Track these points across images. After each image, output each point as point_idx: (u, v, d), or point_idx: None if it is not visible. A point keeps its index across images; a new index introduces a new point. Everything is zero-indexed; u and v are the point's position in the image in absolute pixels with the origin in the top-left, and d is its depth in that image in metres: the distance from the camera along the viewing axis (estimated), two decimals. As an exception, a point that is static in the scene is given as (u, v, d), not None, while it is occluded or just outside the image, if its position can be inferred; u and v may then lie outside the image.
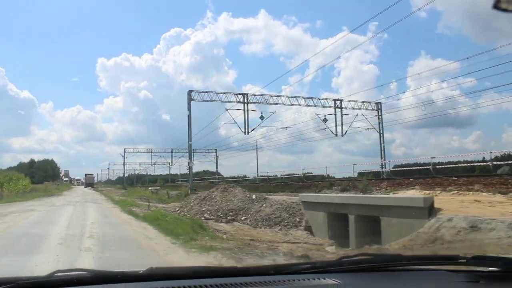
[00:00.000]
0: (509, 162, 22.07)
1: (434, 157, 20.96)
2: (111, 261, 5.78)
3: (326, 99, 36.67)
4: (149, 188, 42.25)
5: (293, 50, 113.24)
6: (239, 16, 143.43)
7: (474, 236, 8.37)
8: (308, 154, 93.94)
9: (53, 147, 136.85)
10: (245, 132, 32.88)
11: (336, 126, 36.22)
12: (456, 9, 65.42)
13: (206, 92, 32.22)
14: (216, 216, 17.28)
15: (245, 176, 52.06)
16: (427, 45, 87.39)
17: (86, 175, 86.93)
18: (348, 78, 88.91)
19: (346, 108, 36.82)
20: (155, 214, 12.06)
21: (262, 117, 33.21)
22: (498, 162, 22.20)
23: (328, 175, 35.81)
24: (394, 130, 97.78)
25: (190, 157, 31.32)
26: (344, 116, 36.37)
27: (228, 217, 17.01)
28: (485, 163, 23.22)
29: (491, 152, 19.72)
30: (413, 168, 24.19)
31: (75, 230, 9.08)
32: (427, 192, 16.32)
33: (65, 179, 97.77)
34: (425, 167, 22.65)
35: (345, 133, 37.15)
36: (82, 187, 79.08)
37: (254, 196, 18.26)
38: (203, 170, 73.26)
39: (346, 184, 22.17)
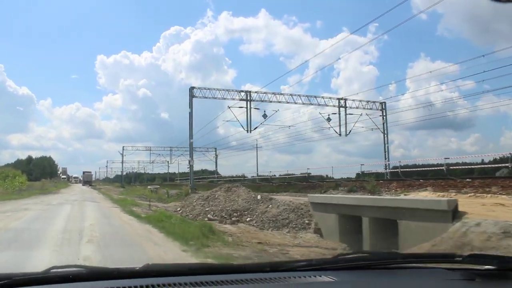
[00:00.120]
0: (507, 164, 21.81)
1: (448, 158, 20.23)
2: None
3: (330, 97, 36.00)
4: (148, 187, 41.47)
5: (293, 50, 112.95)
6: (239, 15, 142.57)
7: (507, 243, 7.68)
8: (306, 154, 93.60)
9: (52, 144, 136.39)
10: (247, 131, 32.12)
11: (340, 125, 35.58)
12: (456, 12, 65.00)
13: (208, 89, 31.47)
14: (220, 217, 16.57)
15: (243, 176, 51.52)
16: (427, 47, 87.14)
17: (84, 172, 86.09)
18: (348, 79, 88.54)
19: (350, 107, 36.20)
20: (158, 215, 11.21)
21: (265, 116, 32.55)
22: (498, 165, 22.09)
23: (326, 175, 35.30)
24: (392, 132, 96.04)
25: (191, 155, 30.58)
26: (347, 116, 35.87)
27: (233, 218, 16.31)
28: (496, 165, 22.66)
29: (510, 153, 19.00)
30: (425, 169, 23.45)
31: (72, 233, 8.24)
32: (441, 194, 15.63)
33: (62, 176, 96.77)
34: (428, 168, 22.02)
35: (349, 132, 36.52)
36: (80, 185, 78.18)
37: (259, 196, 17.55)
38: (202, 169, 72.52)
39: (353, 184, 21.50)
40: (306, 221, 14.41)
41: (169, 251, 6.35)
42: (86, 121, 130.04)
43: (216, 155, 60.85)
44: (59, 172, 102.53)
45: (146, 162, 75.24)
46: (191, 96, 30.26)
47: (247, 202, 17.37)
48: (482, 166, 24.07)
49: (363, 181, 22.11)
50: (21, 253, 6.20)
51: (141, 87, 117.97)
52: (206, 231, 8.06)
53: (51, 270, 1.62)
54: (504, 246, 7.62)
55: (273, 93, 33.07)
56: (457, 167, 21.34)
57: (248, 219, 16.09)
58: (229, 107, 31.67)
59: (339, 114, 35.56)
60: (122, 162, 70.67)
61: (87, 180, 78.87)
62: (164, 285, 1.61)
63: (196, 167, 68.16)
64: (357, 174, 34.30)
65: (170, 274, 1.75)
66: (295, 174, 38.95)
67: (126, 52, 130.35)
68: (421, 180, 19.08)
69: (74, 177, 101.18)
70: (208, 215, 16.75)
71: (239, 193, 18.42)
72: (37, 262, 5.56)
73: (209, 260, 5.47)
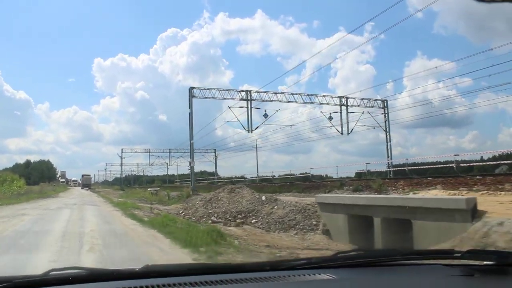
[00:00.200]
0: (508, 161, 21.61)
1: (458, 155, 19.76)
2: None
3: (331, 96, 35.58)
4: (149, 189, 40.92)
5: (290, 50, 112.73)
6: (236, 16, 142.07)
7: (535, 243, 7.26)
8: (305, 154, 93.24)
9: (50, 147, 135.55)
10: (248, 131, 31.67)
11: (341, 124, 35.17)
12: (451, 9, 64.86)
13: (208, 89, 31.01)
14: (224, 219, 16.08)
15: (243, 177, 51.20)
16: (423, 45, 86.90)
17: (83, 176, 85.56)
18: (345, 78, 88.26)
19: (352, 105, 35.79)
20: (162, 219, 10.61)
21: (265, 115, 32.06)
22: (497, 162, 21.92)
23: (326, 175, 34.90)
24: (390, 130, 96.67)
25: (191, 157, 30.09)
26: (348, 114, 35.44)
27: (237, 220, 15.81)
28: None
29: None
30: (435, 166, 23.00)
31: (72, 241, 7.66)
32: (452, 192, 15.18)
33: (61, 180, 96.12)
34: (440, 166, 21.58)
35: (351, 131, 36.09)
36: (79, 188, 77.65)
37: (264, 197, 17.06)
38: (201, 171, 72.00)
39: (358, 184, 21.05)
40: (314, 222, 13.94)
41: (179, 260, 5.81)
42: (84, 124, 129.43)
43: (216, 156, 60.36)
44: (57, 176, 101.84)
45: (145, 164, 74.89)
46: (191, 96, 29.78)
47: (251, 203, 16.88)
48: (481, 163, 23.93)
49: (369, 180, 21.66)
50: (16, 263, 5.69)
51: (138, 90, 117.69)
52: (215, 236, 7.56)
53: (51, 273, 1.62)
54: (532, 246, 7.20)
55: (274, 93, 32.65)
56: (469, 164, 20.90)
57: (253, 220, 15.61)
58: (229, 107, 31.22)
59: (341, 112, 35.19)
60: (121, 165, 70.28)
61: (86, 183, 78.32)
62: (164, 285, 1.60)
63: (196, 169, 67.28)
64: (356, 173, 33.96)
65: (169, 275, 1.74)
66: (295, 174, 38.62)
67: (123, 54, 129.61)
68: (429, 178, 18.62)
69: (73, 181, 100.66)
70: (212, 217, 16.26)
71: (243, 194, 17.93)
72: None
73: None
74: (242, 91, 31.36)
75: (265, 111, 31.94)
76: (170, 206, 24.31)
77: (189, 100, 29.59)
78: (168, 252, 6.57)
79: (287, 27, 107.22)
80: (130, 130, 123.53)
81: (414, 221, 10.28)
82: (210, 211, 17.06)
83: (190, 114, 29.42)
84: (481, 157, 28.67)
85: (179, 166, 70.69)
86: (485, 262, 1.86)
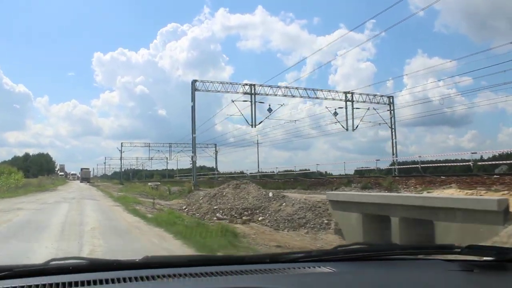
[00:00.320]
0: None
1: (476, 152, 19.04)
2: None
3: (336, 91, 34.83)
4: (149, 183, 40.26)
5: (290, 46, 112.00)
6: (236, 12, 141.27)
7: None
8: (304, 151, 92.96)
9: (49, 141, 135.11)
10: (252, 125, 30.97)
11: (346, 120, 34.46)
12: (453, 8, 64.19)
13: (211, 82, 30.24)
14: (229, 216, 15.40)
15: (242, 172, 50.73)
16: (424, 43, 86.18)
17: (82, 169, 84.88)
18: (345, 75, 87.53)
19: (357, 101, 35.08)
20: (167, 216, 9.82)
21: (270, 109, 31.32)
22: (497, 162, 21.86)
23: (325, 171, 34.35)
24: (390, 128, 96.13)
25: (193, 151, 29.37)
26: (353, 110, 34.74)
27: (244, 217, 15.14)
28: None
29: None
30: (451, 164, 22.35)
31: (71, 242, 6.87)
32: (469, 191, 14.49)
33: (60, 173, 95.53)
34: (455, 164, 20.89)
35: (356, 127, 35.39)
36: (78, 181, 77.02)
37: (271, 194, 16.37)
38: (200, 166, 71.34)
39: (367, 181, 20.39)
40: (325, 221, 13.24)
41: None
42: (83, 118, 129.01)
43: (216, 151, 59.67)
44: (56, 169, 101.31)
45: (144, 158, 74.23)
46: (193, 89, 29.02)
47: (258, 199, 16.21)
48: (482, 162, 23.55)
49: (378, 177, 21.01)
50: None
51: (138, 84, 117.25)
52: (230, 236, 6.83)
53: (51, 262, 1.62)
54: None
55: (278, 87, 31.92)
56: (487, 162, 20.22)
57: (260, 218, 14.94)
58: (233, 101, 30.47)
59: (346, 108, 34.50)
60: (121, 159, 69.57)
61: (85, 177, 77.67)
62: (164, 276, 1.59)
63: (196, 163, 67.08)
64: (356, 170, 33.35)
65: (169, 266, 1.75)
66: (295, 171, 38.22)
67: (123, 49, 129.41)
68: (442, 177, 17.94)
69: (72, 174, 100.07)
70: (217, 214, 15.60)
71: (249, 190, 17.24)
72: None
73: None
74: (246, 84, 30.61)
75: (269, 105, 31.25)
76: (171, 201, 23.63)
77: (191, 93, 28.84)
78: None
79: (288, 23, 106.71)
80: (129, 124, 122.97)
81: (437, 222, 9.58)
82: (215, 207, 16.38)
83: (193, 107, 28.70)
84: (481, 156, 28.33)
85: (179, 161, 70.08)
86: (485, 258, 1.85)
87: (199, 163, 71.38)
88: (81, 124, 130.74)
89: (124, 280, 1.55)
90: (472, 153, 19.32)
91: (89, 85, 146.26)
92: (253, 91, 30.36)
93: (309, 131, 42.26)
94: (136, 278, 1.55)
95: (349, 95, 34.55)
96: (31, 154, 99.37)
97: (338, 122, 34.37)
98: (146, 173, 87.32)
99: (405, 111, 65.37)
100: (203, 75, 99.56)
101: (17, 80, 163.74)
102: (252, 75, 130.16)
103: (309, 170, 41.80)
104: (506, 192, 13.27)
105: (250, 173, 46.26)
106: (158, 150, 66.09)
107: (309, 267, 1.82)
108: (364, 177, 22.22)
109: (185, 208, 17.86)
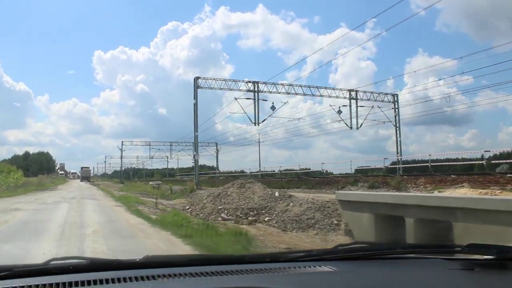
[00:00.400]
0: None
1: (489, 150, 18.57)
2: None
3: (340, 89, 34.34)
4: (150, 182, 39.75)
5: (291, 45, 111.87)
6: (237, 11, 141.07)
7: None
8: (305, 150, 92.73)
9: (49, 140, 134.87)
10: (255, 123, 30.48)
11: (351, 118, 33.97)
12: (454, 7, 63.78)
13: (214, 79, 29.75)
14: (235, 216, 14.93)
15: (243, 171, 50.38)
16: (425, 42, 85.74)
17: (82, 168, 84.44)
18: (346, 74, 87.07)
19: (361, 99, 34.60)
20: (173, 217, 9.24)
21: (273, 107, 30.83)
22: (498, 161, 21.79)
23: (326, 171, 34.05)
24: (390, 127, 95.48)
25: (196, 150, 28.88)
26: (357, 108, 34.27)
27: (249, 218, 14.66)
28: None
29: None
30: (464, 163, 21.88)
31: (70, 247, 6.28)
32: (483, 191, 14.04)
33: (60, 172, 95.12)
34: (472, 162, 20.45)
35: (360, 125, 34.88)
36: (78, 180, 76.56)
37: (277, 193, 15.89)
38: (200, 165, 70.69)
39: (374, 180, 19.92)
40: (335, 222, 12.76)
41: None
42: (83, 117, 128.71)
43: (217, 150, 59.17)
44: (56, 168, 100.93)
45: (145, 157, 73.81)
46: (196, 86, 28.54)
47: (263, 199, 15.73)
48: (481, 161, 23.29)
49: (386, 176, 20.52)
50: None
51: (138, 83, 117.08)
52: (243, 241, 6.30)
53: (51, 262, 1.62)
54: None
55: (281, 84, 31.44)
56: (500, 161, 19.76)
57: (267, 218, 14.46)
58: (235, 99, 29.99)
59: (350, 106, 34.02)
60: (121, 157, 69.14)
61: (86, 176, 77.19)
62: (164, 275, 1.58)
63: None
64: (355, 170, 32.97)
65: (170, 265, 1.73)
66: (294, 170, 37.90)
67: (124, 47, 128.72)
68: (452, 176, 17.45)
69: (72, 173, 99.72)
70: (222, 214, 15.12)
71: (254, 189, 16.76)
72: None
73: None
74: (249, 82, 30.10)
75: (273, 103, 30.76)
76: (173, 201, 23.15)
77: (194, 91, 28.36)
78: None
79: (288, 22, 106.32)
80: (129, 123, 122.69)
81: (455, 223, 9.08)
82: (219, 208, 15.91)
83: (195, 105, 28.18)
84: (482, 155, 28.03)
85: (180, 160, 69.65)
86: (485, 257, 1.85)
87: (200, 162, 70.85)
88: (82, 123, 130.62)
89: (125, 279, 1.53)
90: (485, 151, 18.73)
91: (89, 84, 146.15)
92: (256, 89, 29.90)
93: (311, 130, 41.94)
94: (136, 278, 1.54)
95: (353, 93, 34.09)
96: (31, 152, 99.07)
97: (342, 120, 33.93)
98: (147, 172, 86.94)
99: (406, 110, 65.04)
100: (204, 74, 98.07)
101: (17, 79, 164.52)
102: (253, 74, 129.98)
103: (310, 169, 41.41)
104: (523, 191, 12.87)
105: (250, 172, 45.82)
106: (159, 149, 65.76)
107: (310, 267, 1.82)
108: (371, 176, 21.74)
109: (188, 208, 17.39)
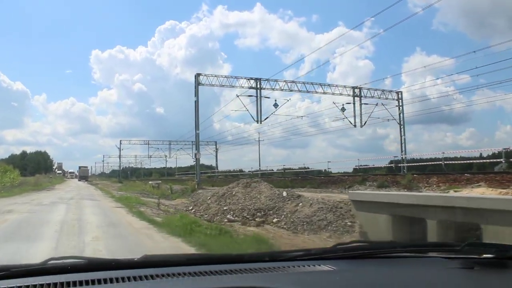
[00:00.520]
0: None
1: (508, 148, 17.86)
2: None
3: (344, 86, 33.64)
4: (150, 182, 38.98)
5: (289, 44, 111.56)
6: (234, 10, 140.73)
7: None
8: (302, 149, 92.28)
9: (47, 139, 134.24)
10: (257, 121, 29.76)
11: (354, 116, 33.30)
12: (452, 6, 63.35)
13: (215, 76, 29.03)
14: (241, 217, 14.23)
15: (241, 170, 49.79)
16: (423, 41, 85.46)
17: (80, 167, 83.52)
18: (343, 73, 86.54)
19: (365, 96, 33.95)
20: (180, 220, 8.34)
21: (276, 105, 30.13)
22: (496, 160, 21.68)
23: (325, 170, 33.52)
24: (387, 126, 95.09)
25: (197, 148, 28.19)
26: (361, 106, 33.60)
27: (257, 219, 13.97)
28: None
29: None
30: (478, 161, 21.29)
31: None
32: (503, 191, 13.41)
33: (58, 171, 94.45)
34: (486, 161, 19.86)
35: (364, 123, 34.21)
36: (76, 180, 75.65)
37: (285, 193, 15.17)
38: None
39: (383, 179, 19.24)
40: (349, 223, 12.05)
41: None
42: (81, 116, 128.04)
43: (217, 149, 58.49)
44: (54, 167, 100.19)
45: (143, 156, 73.15)
46: (197, 83, 27.82)
47: (271, 199, 15.03)
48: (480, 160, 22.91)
49: (396, 175, 19.84)
50: None
51: (136, 82, 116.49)
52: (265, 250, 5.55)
53: (49, 262, 1.58)
54: None
55: (284, 81, 30.76)
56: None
57: (275, 219, 13.76)
58: (237, 96, 29.28)
59: (354, 104, 33.36)
60: (120, 157, 68.40)
61: (83, 175, 76.27)
62: (162, 275, 1.56)
63: (193, 162, 65.90)
64: (354, 169, 32.42)
65: (168, 265, 1.71)
66: (293, 169, 37.34)
67: (121, 46, 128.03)
68: (466, 175, 16.77)
69: (70, 172, 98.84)
70: (228, 216, 14.43)
71: (260, 189, 16.05)
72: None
73: None
74: (251, 78, 29.36)
75: (275, 100, 30.09)
76: (175, 201, 22.44)
77: (195, 88, 27.66)
78: None
79: (286, 21, 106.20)
80: (127, 122, 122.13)
81: (485, 226, 8.39)
82: (224, 208, 15.20)
83: (196, 102, 27.50)
84: (480, 154, 27.58)
85: (178, 159, 69.02)
86: (485, 255, 1.82)
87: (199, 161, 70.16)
88: (79, 122, 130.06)
89: (123, 279, 1.50)
90: (504, 149, 17.99)
91: (87, 83, 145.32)
92: (258, 86, 29.21)
93: (311, 128, 41.36)
94: (135, 278, 1.52)
95: (357, 90, 33.43)
96: (28, 152, 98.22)
97: (346, 118, 33.26)
98: (145, 171, 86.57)
99: (404, 109, 64.40)
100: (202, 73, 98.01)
101: (14, 78, 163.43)
102: (251, 73, 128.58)
103: (309, 168, 40.81)
104: (547, 191, 12.21)
105: (249, 171, 45.34)
106: (157, 148, 65.09)
107: (309, 266, 1.81)
108: (379, 175, 21.05)
109: (191, 209, 16.69)
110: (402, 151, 33.79)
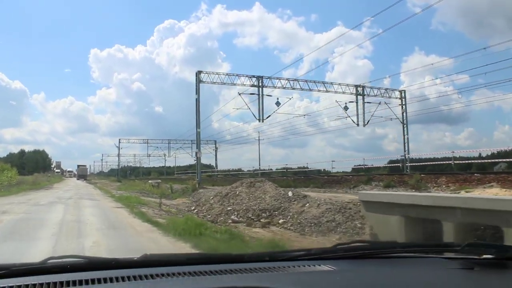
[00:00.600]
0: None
1: None
2: None
3: (347, 84, 33.18)
4: (149, 181, 38.46)
5: (288, 43, 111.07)
6: (233, 9, 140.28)
7: None
8: (301, 148, 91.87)
9: (45, 138, 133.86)
10: (259, 119, 29.29)
11: (357, 115, 32.84)
12: (451, 6, 63.04)
13: (216, 73, 28.56)
14: (246, 218, 13.77)
15: (240, 169, 49.35)
16: (421, 41, 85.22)
17: (78, 166, 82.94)
18: (342, 72, 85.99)
19: (368, 95, 33.51)
20: (186, 222, 7.75)
21: (278, 103, 29.67)
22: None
23: (324, 169, 33.08)
24: (386, 126, 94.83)
25: (198, 147, 27.71)
26: (364, 105, 33.17)
27: (262, 220, 13.49)
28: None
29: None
30: (492, 160, 20.87)
31: None
32: (517, 190, 12.98)
33: (56, 170, 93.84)
34: (495, 160, 19.43)
35: (367, 122, 33.76)
36: (75, 179, 75.10)
37: (290, 193, 14.72)
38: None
39: (389, 179, 18.80)
40: (358, 225, 11.61)
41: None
42: (79, 115, 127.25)
43: (216, 148, 57.99)
44: (52, 166, 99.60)
45: (142, 155, 72.67)
46: (198, 81, 27.34)
47: (276, 200, 14.57)
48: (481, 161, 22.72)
49: (403, 174, 19.39)
50: None
51: (135, 81, 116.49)
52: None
53: (49, 261, 1.58)
54: None
55: (286, 79, 30.30)
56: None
57: (281, 220, 13.30)
58: (239, 94, 28.81)
59: (357, 102, 32.93)
60: (119, 156, 67.72)
61: (82, 174, 75.69)
62: (162, 274, 1.55)
63: (192, 161, 65.41)
64: (353, 168, 31.94)
65: (168, 264, 1.71)
66: (292, 168, 36.99)
67: (120, 45, 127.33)
68: (476, 175, 16.32)
69: (68, 171, 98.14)
70: (232, 216, 13.96)
71: (265, 189, 15.58)
72: None
73: None
74: (253, 76, 28.89)
75: (277, 98, 29.61)
76: (176, 201, 21.95)
77: (196, 85, 27.18)
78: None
79: (285, 20, 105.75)
80: (126, 121, 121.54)
81: (507, 229, 7.97)
82: (228, 209, 14.73)
83: (197, 100, 27.01)
84: (480, 154, 27.30)
85: (177, 158, 68.60)
86: (485, 256, 1.83)
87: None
88: (78, 121, 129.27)
89: (123, 279, 1.49)
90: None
91: (85, 82, 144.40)
92: (260, 84, 28.75)
93: (310, 128, 41.01)
94: (134, 277, 1.51)
95: (360, 89, 33.00)
96: (26, 151, 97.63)
97: (349, 117, 32.82)
98: (143, 170, 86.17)
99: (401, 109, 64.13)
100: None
101: (13, 77, 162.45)
102: (249, 72, 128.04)
103: (308, 168, 40.39)
104: None
105: (248, 170, 44.98)
106: (157, 147, 64.60)
107: (309, 265, 1.80)
108: (385, 175, 20.59)
109: (194, 209, 16.22)
110: (405, 151, 33.39)
